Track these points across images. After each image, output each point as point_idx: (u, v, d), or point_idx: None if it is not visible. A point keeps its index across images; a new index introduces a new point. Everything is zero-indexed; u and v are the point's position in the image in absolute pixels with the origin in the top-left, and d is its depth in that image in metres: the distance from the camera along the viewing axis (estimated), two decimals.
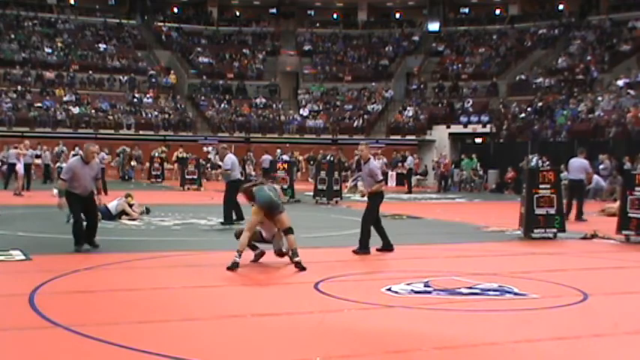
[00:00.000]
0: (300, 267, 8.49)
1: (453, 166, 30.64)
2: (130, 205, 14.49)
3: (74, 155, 28.58)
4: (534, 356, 5.25)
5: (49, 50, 40.35)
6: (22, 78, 37.80)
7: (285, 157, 28.19)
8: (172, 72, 41.93)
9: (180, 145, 32.70)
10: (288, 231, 8.70)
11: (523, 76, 37.56)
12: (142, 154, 33.09)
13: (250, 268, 8.85)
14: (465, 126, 35.94)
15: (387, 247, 10.25)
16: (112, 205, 14.28)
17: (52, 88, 37.83)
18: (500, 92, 38.20)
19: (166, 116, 37.80)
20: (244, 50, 44.72)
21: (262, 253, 9.09)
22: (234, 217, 13.53)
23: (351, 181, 24.27)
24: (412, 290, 7.41)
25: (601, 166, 23.85)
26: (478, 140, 35.93)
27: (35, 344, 5.33)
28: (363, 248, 10.03)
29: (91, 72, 39.22)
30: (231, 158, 13.98)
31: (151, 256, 9.79)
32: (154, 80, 40.52)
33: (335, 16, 49.25)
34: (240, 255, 8.52)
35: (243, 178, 14.85)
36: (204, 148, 34.50)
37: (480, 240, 12.24)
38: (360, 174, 10.42)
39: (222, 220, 13.55)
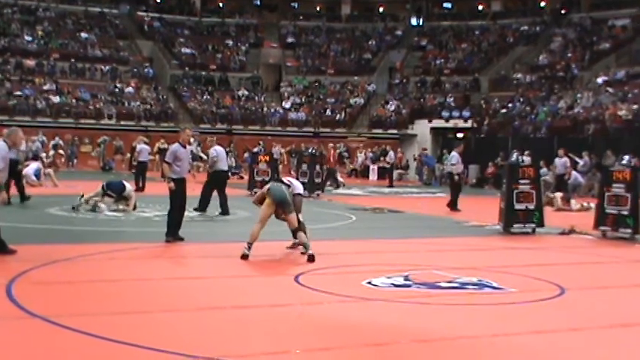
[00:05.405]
0: (311, 259, 8.68)
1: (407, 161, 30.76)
2: None
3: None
4: (512, 349, 5.31)
5: (29, 38, 39.78)
6: (1, 66, 37.25)
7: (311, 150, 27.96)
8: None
9: (161, 136, 32.48)
10: (298, 229, 9.06)
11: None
12: (122, 144, 32.90)
13: (232, 260, 8.85)
14: (447, 121, 36.08)
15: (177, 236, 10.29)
16: (128, 187, 14.55)
17: (32, 76, 37.34)
18: (482, 88, 38.41)
19: (148, 107, 37.53)
20: (227, 42, 44.45)
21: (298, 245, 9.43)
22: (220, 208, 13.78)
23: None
24: (392, 284, 7.45)
25: (580, 163, 24.09)
26: (460, 135, 36.09)
27: (12, 335, 5.29)
28: (170, 235, 10.22)
29: (72, 60, 38.79)
30: (217, 149, 14.23)
31: (132, 247, 9.75)
32: (135, 70, 40.19)
33: (318, 9, 49.09)
34: (249, 247, 8.69)
35: (226, 169, 14.97)
36: None
37: (460, 234, 12.33)
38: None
39: (196, 206, 13.89)
